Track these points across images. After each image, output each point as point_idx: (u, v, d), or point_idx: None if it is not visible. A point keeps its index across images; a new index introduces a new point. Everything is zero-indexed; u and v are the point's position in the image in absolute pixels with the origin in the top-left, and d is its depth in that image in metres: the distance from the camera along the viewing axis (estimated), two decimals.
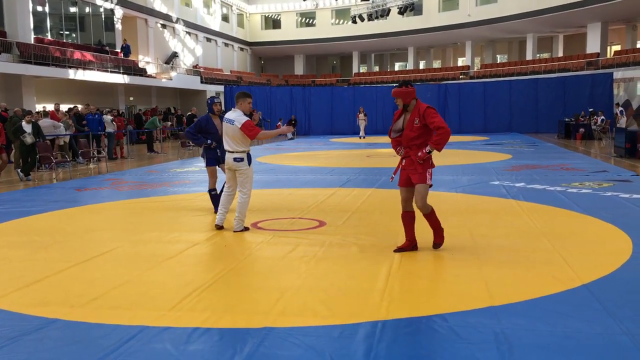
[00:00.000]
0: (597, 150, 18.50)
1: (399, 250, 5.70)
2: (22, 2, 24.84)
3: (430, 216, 5.66)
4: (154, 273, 5.13)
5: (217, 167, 8.10)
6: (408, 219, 5.72)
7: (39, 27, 26.96)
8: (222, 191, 7.27)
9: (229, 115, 6.64)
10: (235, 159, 6.55)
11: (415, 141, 5.47)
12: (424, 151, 5.41)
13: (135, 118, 27.46)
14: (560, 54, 43.78)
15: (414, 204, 5.66)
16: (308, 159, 16.77)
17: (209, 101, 8.10)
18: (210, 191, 8.19)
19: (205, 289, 4.59)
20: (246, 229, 6.83)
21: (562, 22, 38.53)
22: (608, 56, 38.20)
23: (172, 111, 34.25)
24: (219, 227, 6.89)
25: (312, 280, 4.86)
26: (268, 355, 3.35)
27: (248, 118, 6.58)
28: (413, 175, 5.53)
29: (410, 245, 5.72)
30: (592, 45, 37.94)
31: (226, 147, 6.64)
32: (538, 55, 44.04)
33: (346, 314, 4.02)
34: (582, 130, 23.37)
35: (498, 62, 48.38)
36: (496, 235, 6.43)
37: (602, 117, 23.63)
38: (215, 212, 7.56)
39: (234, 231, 6.69)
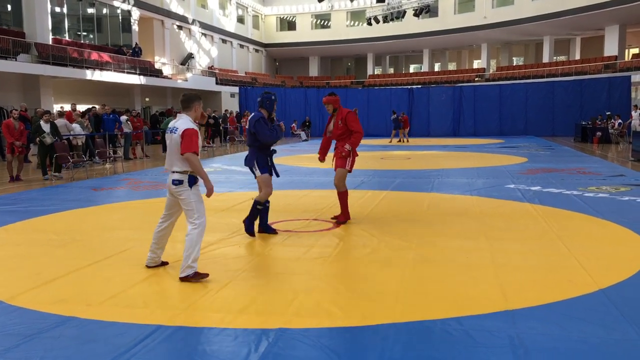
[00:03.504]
0: (614, 154, 18.31)
1: (338, 222, 7.25)
2: (41, 4, 25.10)
3: (342, 195, 7.32)
4: (169, 272, 5.16)
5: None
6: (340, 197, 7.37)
7: (57, 28, 27.22)
8: (254, 205, 6.53)
9: (172, 123, 5.09)
10: (174, 182, 4.92)
11: (340, 137, 7.29)
12: (345, 148, 7.20)
13: (151, 119, 27.62)
14: (578, 57, 43.38)
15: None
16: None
17: (273, 97, 6.60)
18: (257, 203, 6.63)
19: (220, 289, 4.61)
20: (202, 275, 4.87)
21: (580, 24, 38.16)
22: (626, 59, 37.80)
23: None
24: (150, 267, 5.29)
25: (326, 281, 4.86)
26: (282, 356, 3.36)
27: (193, 126, 4.94)
28: (337, 161, 7.31)
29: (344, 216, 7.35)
30: (610, 48, 37.56)
31: (166, 164, 5.09)
32: (555, 57, 43.68)
33: (360, 316, 4.02)
34: (599, 133, 23.11)
35: (514, 64, 48.06)
36: (511, 238, 6.39)
37: (620, 120, 23.38)
38: (248, 224, 6.58)
39: (180, 278, 4.84)
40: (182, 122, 4.94)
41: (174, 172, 4.93)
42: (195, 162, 4.84)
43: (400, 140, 25.24)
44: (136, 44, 32.04)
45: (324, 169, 14.13)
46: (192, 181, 4.93)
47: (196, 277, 4.81)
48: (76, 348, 3.52)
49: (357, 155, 7.44)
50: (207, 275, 4.90)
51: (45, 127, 12.92)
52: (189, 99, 5.08)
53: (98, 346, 3.52)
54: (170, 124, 5.07)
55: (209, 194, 4.95)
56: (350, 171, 7.37)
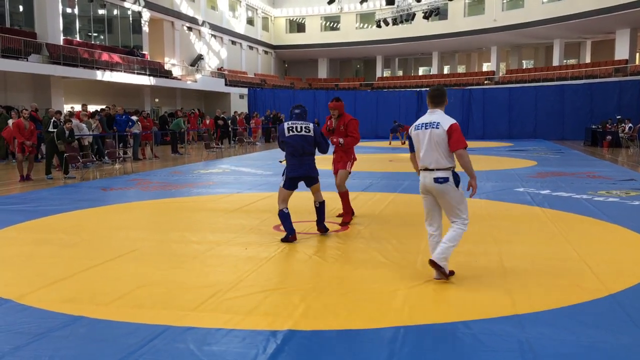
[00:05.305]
0: (624, 158, 18.18)
1: (344, 223, 7.40)
2: (52, 5, 25.30)
3: (344, 196, 7.62)
4: (177, 273, 5.17)
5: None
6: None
7: (68, 29, 27.43)
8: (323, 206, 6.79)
9: (426, 118, 4.84)
10: (438, 180, 4.70)
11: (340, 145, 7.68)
12: (336, 140, 7.57)
13: (160, 120, 27.72)
14: (588, 60, 43.15)
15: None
16: (330, 163, 16.75)
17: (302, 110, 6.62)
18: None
19: (228, 290, 4.62)
20: (451, 273, 4.87)
21: (590, 27, 37.98)
22: (637, 63, 37.56)
23: (194, 111, 34.14)
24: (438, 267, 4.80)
25: (334, 283, 4.86)
26: (291, 357, 3.36)
27: (456, 120, 4.81)
28: (338, 164, 7.73)
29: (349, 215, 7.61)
30: (621, 51, 37.34)
31: (423, 161, 4.79)
32: (565, 61, 43.48)
33: (368, 318, 4.01)
34: (609, 137, 22.96)
35: (524, 67, 47.87)
36: (520, 242, 6.36)
37: (630, 124, 23.23)
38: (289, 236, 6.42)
39: (431, 260, 4.77)
40: (442, 117, 4.74)
41: (433, 169, 4.71)
42: (467, 158, 4.70)
43: (403, 143, 25.90)
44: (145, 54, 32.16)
45: (330, 171, 14.12)
46: (458, 178, 4.74)
47: (447, 274, 4.81)
48: (85, 347, 3.53)
49: (356, 159, 8.00)
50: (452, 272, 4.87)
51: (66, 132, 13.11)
52: (442, 93, 4.84)
53: (107, 346, 3.54)
54: (424, 119, 4.83)
55: (473, 193, 4.77)
56: (350, 172, 7.81)
